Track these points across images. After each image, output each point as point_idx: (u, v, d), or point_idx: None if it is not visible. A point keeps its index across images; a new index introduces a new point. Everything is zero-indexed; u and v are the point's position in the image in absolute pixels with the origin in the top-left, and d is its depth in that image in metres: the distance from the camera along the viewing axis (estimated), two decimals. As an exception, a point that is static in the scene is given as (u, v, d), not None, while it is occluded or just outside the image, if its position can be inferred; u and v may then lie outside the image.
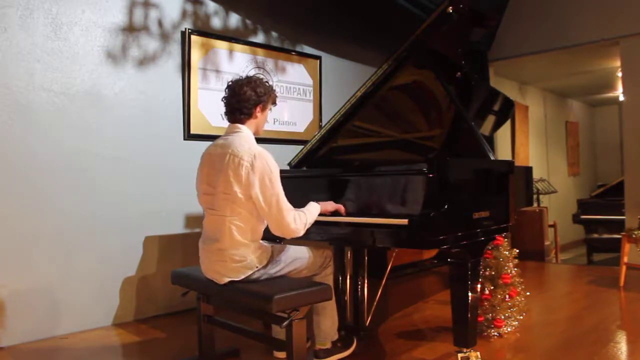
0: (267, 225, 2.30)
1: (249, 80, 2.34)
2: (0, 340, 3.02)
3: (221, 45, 4.10)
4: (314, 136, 3.27)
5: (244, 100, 2.30)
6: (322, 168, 3.08)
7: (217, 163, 2.27)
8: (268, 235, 2.37)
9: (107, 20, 3.49)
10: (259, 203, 2.20)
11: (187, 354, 2.83)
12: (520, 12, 5.89)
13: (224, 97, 2.37)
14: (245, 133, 2.32)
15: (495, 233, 2.56)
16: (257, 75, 2.38)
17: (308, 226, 2.30)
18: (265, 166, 2.19)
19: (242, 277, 2.26)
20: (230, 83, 2.37)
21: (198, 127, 3.93)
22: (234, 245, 2.23)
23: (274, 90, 2.44)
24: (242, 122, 2.35)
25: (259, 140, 2.40)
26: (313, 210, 2.35)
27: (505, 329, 3.01)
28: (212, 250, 2.30)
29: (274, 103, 2.45)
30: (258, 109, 2.35)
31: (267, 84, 2.39)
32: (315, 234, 2.50)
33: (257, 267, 2.27)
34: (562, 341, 2.94)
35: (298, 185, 2.84)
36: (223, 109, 2.41)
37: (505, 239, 3.19)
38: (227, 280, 2.27)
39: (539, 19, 5.78)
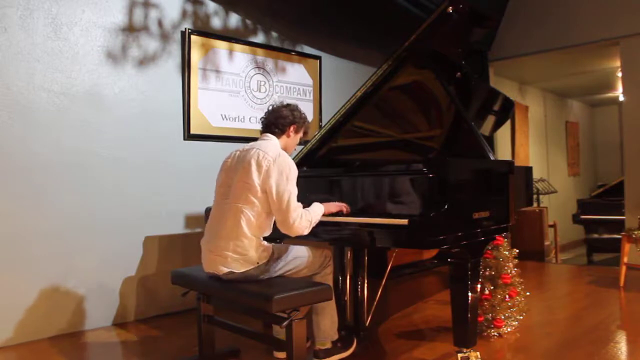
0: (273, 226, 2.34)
1: (288, 104, 2.60)
2: (1, 340, 3.03)
3: (221, 45, 4.10)
4: (314, 136, 3.26)
5: (281, 117, 2.52)
6: (322, 168, 3.08)
7: (241, 157, 2.40)
8: (269, 236, 2.38)
9: (107, 20, 3.49)
10: (271, 195, 2.26)
11: (187, 354, 2.84)
12: (520, 12, 5.89)
13: (262, 117, 2.59)
14: (274, 141, 2.49)
15: (495, 233, 2.56)
16: (296, 104, 2.64)
17: (313, 225, 2.33)
18: (286, 165, 2.31)
19: (242, 269, 2.29)
20: (270, 106, 2.61)
21: (198, 127, 3.93)
22: (238, 236, 2.27)
23: (309, 122, 2.68)
24: (275, 136, 2.51)
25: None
26: (317, 210, 2.38)
27: (505, 329, 3.02)
28: (215, 242, 2.33)
29: (306, 133, 2.68)
30: (292, 128, 2.55)
31: (304, 114, 2.63)
32: (316, 234, 2.50)
33: (257, 263, 2.30)
34: (562, 341, 2.94)
35: (298, 185, 2.83)
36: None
37: (505, 239, 3.19)
38: (226, 270, 2.29)
39: (539, 19, 5.78)
